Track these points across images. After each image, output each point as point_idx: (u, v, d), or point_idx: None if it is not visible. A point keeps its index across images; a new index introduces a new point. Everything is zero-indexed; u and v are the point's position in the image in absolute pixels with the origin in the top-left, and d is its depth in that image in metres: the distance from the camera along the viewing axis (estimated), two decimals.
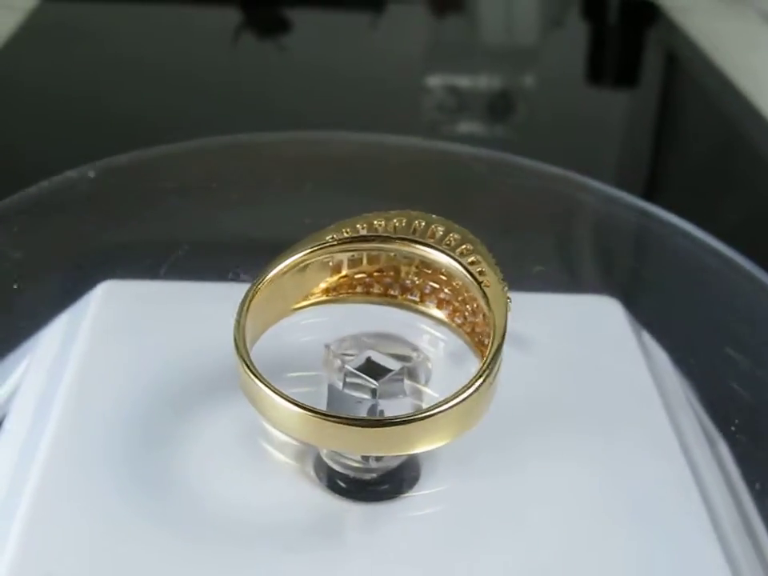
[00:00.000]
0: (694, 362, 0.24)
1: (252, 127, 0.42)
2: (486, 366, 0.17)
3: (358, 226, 0.20)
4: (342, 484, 0.18)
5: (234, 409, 0.20)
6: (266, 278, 0.19)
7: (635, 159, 0.45)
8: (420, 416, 0.16)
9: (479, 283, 0.18)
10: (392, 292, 0.20)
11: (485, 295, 0.18)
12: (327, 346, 0.20)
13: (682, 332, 0.25)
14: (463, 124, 0.47)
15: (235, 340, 0.17)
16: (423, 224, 0.20)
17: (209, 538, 0.17)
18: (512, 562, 0.17)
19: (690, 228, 0.27)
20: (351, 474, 0.18)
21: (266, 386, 0.17)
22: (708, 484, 0.20)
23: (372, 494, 0.18)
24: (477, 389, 0.17)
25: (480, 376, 0.17)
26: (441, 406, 0.16)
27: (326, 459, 0.19)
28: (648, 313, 0.25)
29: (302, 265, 0.19)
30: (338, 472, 0.18)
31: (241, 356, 0.17)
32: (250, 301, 0.18)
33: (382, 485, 0.18)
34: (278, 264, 0.19)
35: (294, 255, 0.19)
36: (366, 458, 0.18)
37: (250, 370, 0.17)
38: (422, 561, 0.17)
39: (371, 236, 0.20)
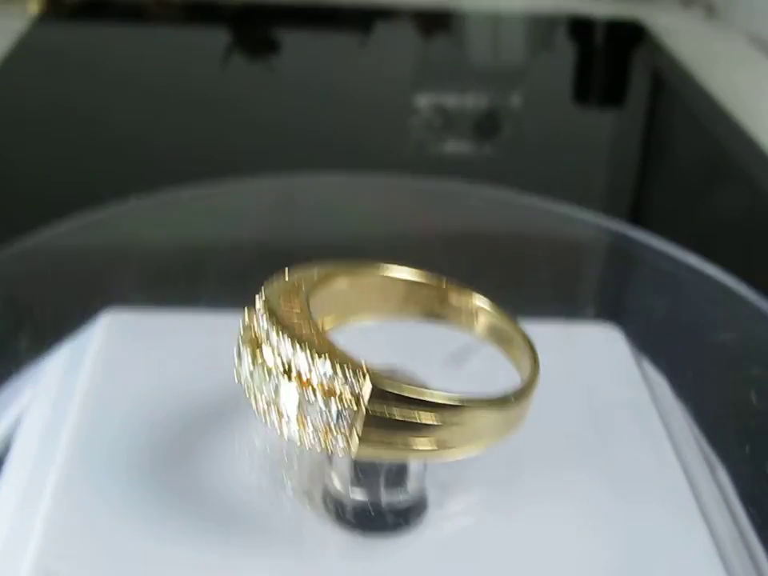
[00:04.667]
0: (693, 387, 0.24)
1: (242, 147, 0.42)
2: (534, 373, 0.18)
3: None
4: (349, 517, 0.18)
5: (242, 436, 0.20)
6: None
7: (622, 180, 0.45)
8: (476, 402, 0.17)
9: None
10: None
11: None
12: None
13: (678, 357, 0.25)
14: (450, 143, 0.47)
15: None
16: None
17: (214, 567, 0.17)
18: None
19: (682, 255, 0.28)
20: (360, 507, 0.18)
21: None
22: (711, 512, 0.20)
23: (378, 527, 0.18)
24: (528, 392, 0.18)
25: (531, 381, 0.18)
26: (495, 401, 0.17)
27: (334, 491, 0.19)
28: (643, 339, 0.25)
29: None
30: (345, 504, 0.18)
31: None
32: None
33: (389, 517, 0.18)
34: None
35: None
36: (376, 492, 0.18)
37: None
38: None
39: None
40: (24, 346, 0.24)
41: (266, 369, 0.17)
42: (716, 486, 0.21)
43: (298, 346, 0.16)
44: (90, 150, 0.42)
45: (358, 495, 0.18)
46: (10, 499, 0.19)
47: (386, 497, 0.18)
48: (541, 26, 0.64)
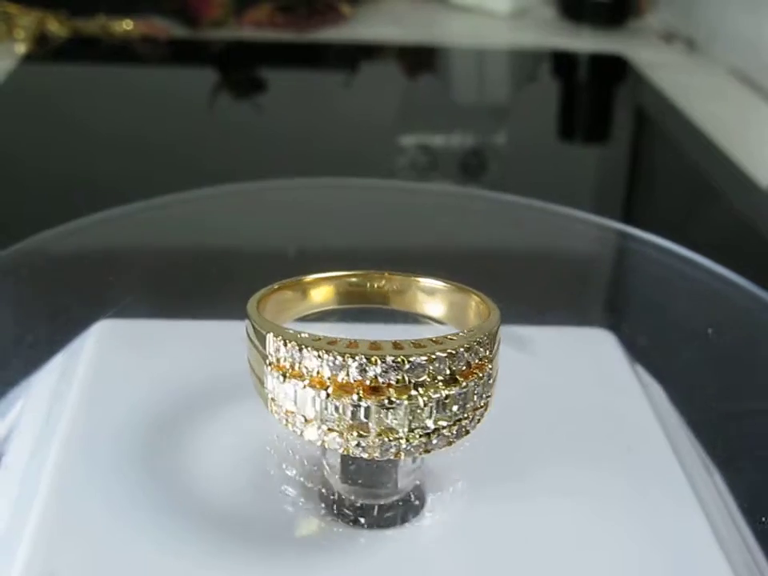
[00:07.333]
0: (684, 390, 0.24)
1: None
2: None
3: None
4: (348, 511, 0.18)
5: (237, 438, 0.20)
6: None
7: (608, 215, 0.45)
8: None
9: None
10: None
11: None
12: None
13: (672, 365, 0.25)
14: (436, 183, 0.47)
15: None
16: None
17: (212, 562, 0.17)
18: None
19: (667, 253, 0.28)
20: (358, 500, 0.19)
21: None
22: (713, 514, 0.20)
23: (378, 521, 0.18)
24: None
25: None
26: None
27: (333, 486, 0.19)
28: (636, 347, 0.25)
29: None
30: (344, 499, 0.19)
31: None
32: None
33: (388, 512, 0.19)
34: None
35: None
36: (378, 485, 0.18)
37: None
38: None
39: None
40: (18, 356, 0.24)
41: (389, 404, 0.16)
42: (714, 488, 0.21)
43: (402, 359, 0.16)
44: (77, 189, 0.42)
45: (357, 490, 0.18)
46: (4, 504, 0.19)
47: (385, 492, 0.18)
48: (524, 61, 0.64)
